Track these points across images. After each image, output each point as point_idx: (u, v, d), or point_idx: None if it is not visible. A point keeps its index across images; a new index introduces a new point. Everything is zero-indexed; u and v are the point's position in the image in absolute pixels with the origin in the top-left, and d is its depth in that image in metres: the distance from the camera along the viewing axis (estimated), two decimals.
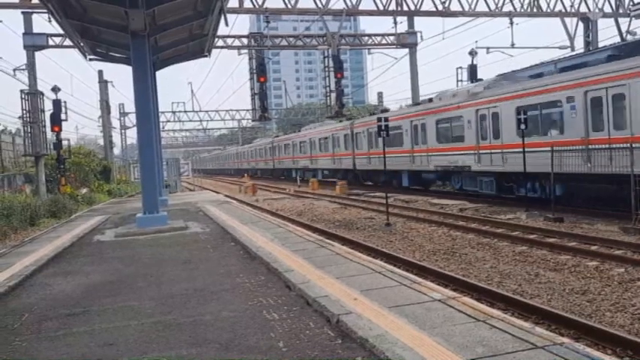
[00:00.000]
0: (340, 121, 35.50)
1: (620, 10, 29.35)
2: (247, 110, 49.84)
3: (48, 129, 25.96)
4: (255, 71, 31.01)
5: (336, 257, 8.16)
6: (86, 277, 8.02)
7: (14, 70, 26.33)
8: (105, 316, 5.88)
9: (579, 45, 29.14)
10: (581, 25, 29.45)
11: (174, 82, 76.02)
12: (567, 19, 29.04)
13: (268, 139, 61.42)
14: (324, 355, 4.36)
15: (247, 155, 68.60)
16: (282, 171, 52.37)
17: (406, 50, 32.45)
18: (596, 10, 28.75)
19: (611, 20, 28.91)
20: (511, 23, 28.44)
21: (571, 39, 29.13)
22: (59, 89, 26.65)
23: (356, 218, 18.44)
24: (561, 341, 4.23)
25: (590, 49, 26.15)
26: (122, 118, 52.14)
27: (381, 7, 27.20)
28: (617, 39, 26.03)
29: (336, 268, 7.26)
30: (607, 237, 11.92)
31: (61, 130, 26.37)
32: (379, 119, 17.26)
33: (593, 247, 11.06)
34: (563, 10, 28.98)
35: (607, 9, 29.29)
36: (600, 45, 25.87)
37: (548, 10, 29.01)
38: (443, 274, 9.33)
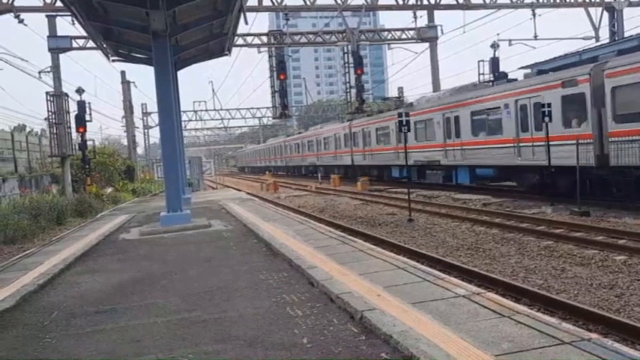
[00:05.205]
0: (342, 122, 37.80)
1: None
2: (268, 108, 50.11)
3: (73, 130, 26.37)
4: (275, 69, 31.06)
5: (358, 253, 8.14)
6: (112, 275, 8.14)
7: (39, 72, 26.85)
8: (131, 313, 5.97)
9: (604, 35, 28.52)
10: (606, 14, 28.79)
11: (196, 82, 76.73)
12: (592, 9, 28.44)
13: (281, 138, 62.91)
14: (349, 352, 4.36)
15: (262, 154, 70.44)
16: (292, 168, 54.05)
17: (426, 44, 32.16)
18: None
19: (638, 9, 28.26)
20: (534, 15, 27.95)
21: (596, 29, 28.52)
22: (83, 90, 27.02)
23: (378, 214, 18.39)
24: (589, 337, 4.16)
25: (616, 39, 25.56)
26: (145, 118, 52.81)
27: (401, 2, 26.96)
28: None
29: (359, 265, 7.25)
30: (635, 230, 11.67)
31: (85, 130, 26.75)
32: (395, 116, 17.70)
33: (621, 241, 10.85)
34: (588, 0, 28.35)
35: None
36: (627, 35, 25.27)
37: (572, 1, 28.40)
38: (467, 269, 9.26)
